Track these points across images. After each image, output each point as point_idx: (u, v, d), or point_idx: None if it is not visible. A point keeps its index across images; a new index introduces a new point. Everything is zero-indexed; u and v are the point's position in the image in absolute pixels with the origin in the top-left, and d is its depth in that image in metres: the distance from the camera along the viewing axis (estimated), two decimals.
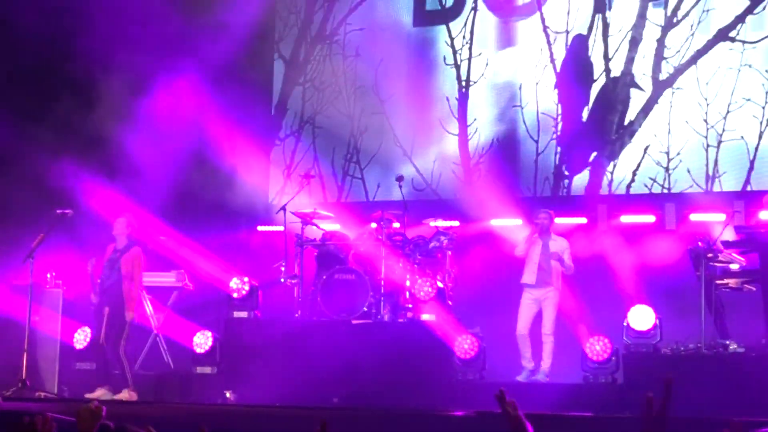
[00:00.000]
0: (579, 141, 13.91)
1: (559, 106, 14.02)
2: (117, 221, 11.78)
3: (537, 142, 14.11)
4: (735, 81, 13.39)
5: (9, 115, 13.57)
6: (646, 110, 13.74)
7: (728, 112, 13.38)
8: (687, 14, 13.67)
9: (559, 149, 13.96)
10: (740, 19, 13.42)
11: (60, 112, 13.64)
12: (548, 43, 14.18)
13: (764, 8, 13.34)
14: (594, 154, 13.81)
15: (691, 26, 13.63)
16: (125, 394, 11.48)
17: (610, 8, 13.97)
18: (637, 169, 13.67)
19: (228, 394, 11.65)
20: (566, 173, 13.90)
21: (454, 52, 14.60)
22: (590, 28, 14.06)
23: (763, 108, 13.24)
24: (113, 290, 11.61)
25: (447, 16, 14.70)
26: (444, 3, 14.71)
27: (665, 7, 13.76)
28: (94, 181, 13.42)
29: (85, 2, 14.10)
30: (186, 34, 14.12)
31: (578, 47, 14.05)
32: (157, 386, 12.19)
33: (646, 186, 13.62)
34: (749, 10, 13.41)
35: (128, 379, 11.55)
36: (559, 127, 13.99)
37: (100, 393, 11.33)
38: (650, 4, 13.81)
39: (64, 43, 13.94)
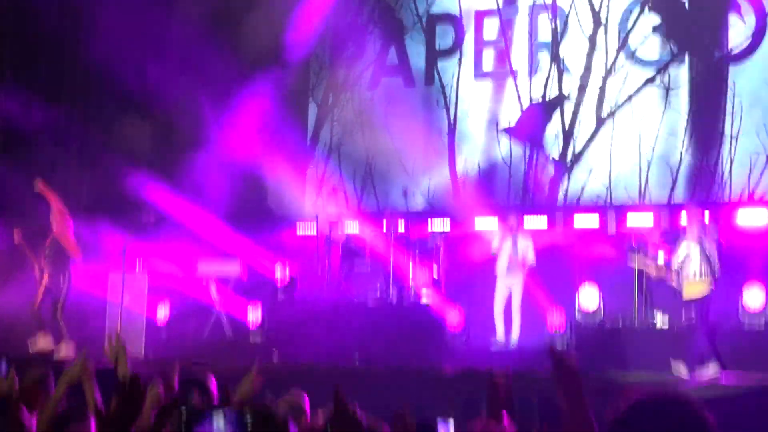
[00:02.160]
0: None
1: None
2: (52, 214, 11.23)
3: (510, 165, 14.06)
4: (661, 118, 13.33)
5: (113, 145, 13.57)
6: (590, 139, 13.70)
7: (656, 143, 13.31)
8: (622, 66, 13.63)
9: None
10: (661, 70, 13.36)
11: (147, 140, 13.62)
12: (516, 89, 14.15)
13: (682, 63, 13.30)
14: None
15: (624, 76, 13.58)
16: (64, 349, 10.99)
17: (563, 62, 13.94)
18: (583, 187, 13.61)
19: (274, 355, 11.62)
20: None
21: (445, 97, 14.58)
22: (548, 75, 14.01)
23: (683, 141, 13.17)
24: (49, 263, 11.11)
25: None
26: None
27: (606, 61, 13.74)
28: (173, 192, 13.42)
29: (165, 47, 14.00)
30: (243, 80, 14.10)
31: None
32: (220, 351, 12.14)
33: (593, 200, 13.54)
34: (669, 63, 13.35)
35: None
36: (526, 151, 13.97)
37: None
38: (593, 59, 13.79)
39: (148, 89, 13.81)
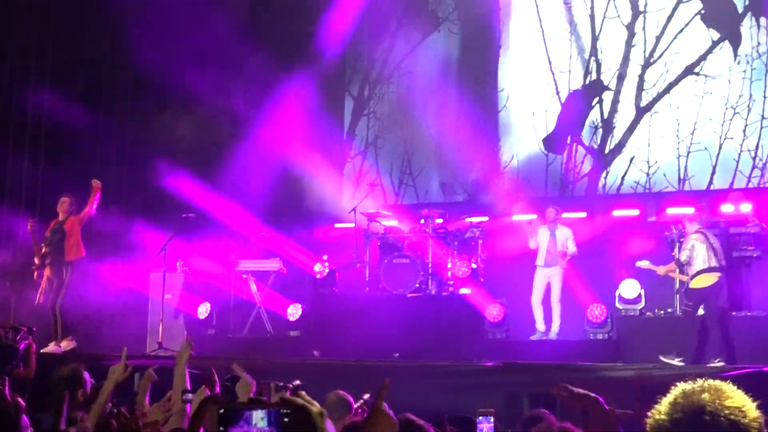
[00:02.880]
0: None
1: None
2: (60, 201, 11.11)
3: (547, 156, 13.99)
4: (699, 106, 13.18)
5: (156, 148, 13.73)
6: (630, 129, 13.56)
7: (694, 129, 13.16)
8: (661, 55, 13.48)
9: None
10: (703, 57, 13.21)
11: (186, 139, 13.74)
12: (554, 80, 14.05)
13: (720, 49, 13.12)
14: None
15: (665, 64, 13.45)
16: (51, 346, 10.74)
17: (602, 52, 13.81)
18: (624, 175, 13.49)
19: (315, 353, 11.69)
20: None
21: (483, 88, 14.48)
22: (587, 68, 13.91)
23: (721, 126, 13.01)
24: (53, 253, 10.91)
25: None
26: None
27: (644, 50, 13.60)
28: (212, 191, 13.53)
29: (203, 45, 14.08)
30: (280, 76, 14.15)
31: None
32: (260, 346, 12.22)
33: (632, 188, 13.45)
34: (710, 50, 13.19)
35: (59, 333, 10.79)
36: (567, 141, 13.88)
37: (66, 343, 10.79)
38: (632, 48, 13.66)
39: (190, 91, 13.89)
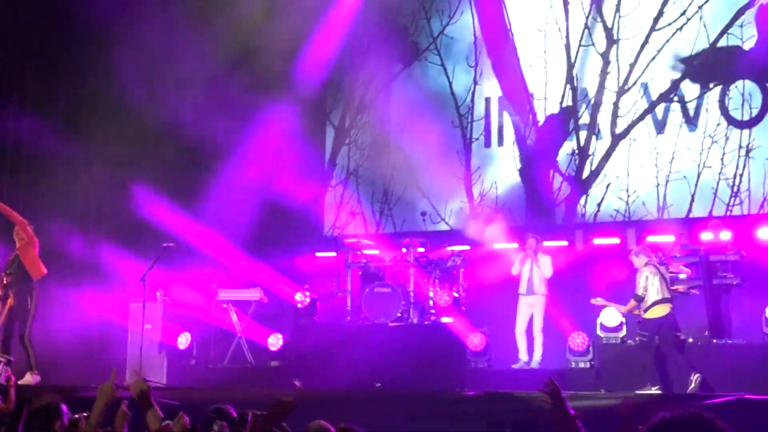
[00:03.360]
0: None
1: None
2: (15, 230, 10.91)
3: (526, 184, 14.03)
4: (678, 134, 13.28)
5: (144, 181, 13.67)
6: (607, 157, 13.65)
7: (673, 158, 13.25)
8: (635, 83, 13.60)
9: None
10: (675, 85, 13.33)
11: (166, 168, 13.70)
12: (530, 107, 14.14)
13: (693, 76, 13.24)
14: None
15: (639, 92, 13.55)
16: (28, 377, 10.54)
17: (577, 79, 13.93)
18: (601, 202, 13.56)
19: (297, 382, 11.59)
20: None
21: (460, 116, 14.58)
22: (563, 94, 14.01)
23: (700, 154, 13.10)
24: (16, 282, 10.66)
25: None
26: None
27: (618, 78, 13.71)
28: (192, 219, 13.46)
29: (184, 75, 14.06)
30: (261, 105, 14.16)
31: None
32: (241, 376, 12.12)
33: (611, 216, 13.49)
34: (682, 78, 13.31)
35: (32, 364, 10.54)
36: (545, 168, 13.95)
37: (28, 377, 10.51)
38: (607, 76, 13.78)
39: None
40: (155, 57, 13.78)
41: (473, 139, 14.45)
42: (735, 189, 12.78)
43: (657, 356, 10.33)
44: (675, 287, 11.14)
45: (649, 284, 10.36)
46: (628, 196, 13.38)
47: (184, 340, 12.54)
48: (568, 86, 13.96)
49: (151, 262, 11.85)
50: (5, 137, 13.70)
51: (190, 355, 12.57)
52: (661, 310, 10.35)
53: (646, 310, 10.42)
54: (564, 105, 13.92)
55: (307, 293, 12.51)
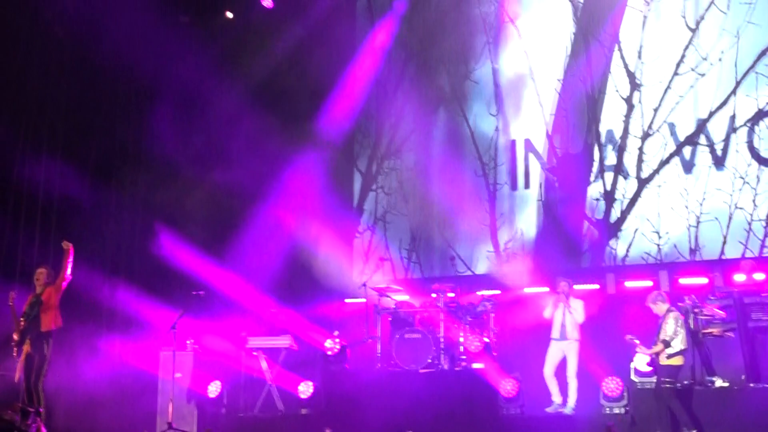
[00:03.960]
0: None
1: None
2: (37, 273, 10.80)
3: (556, 228, 13.97)
4: (708, 174, 13.21)
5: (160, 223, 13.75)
6: (634, 199, 13.59)
7: (704, 199, 13.16)
8: (659, 128, 13.57)
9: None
10: (700, 128, 13.29)
11: (196, 217, 13.78)
12: (555, 153, 14.15)
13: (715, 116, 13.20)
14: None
15: (663, 137, 13.52)
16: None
17: (601, 123, 13.93)
18: (630, 245, 13.47)
19: (327, 430, 11.46)
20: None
21: (483, 165, 14.60)
22: (586, 141, 14.00)
23: (731, 195, 13.01)
24: (33, 328, 10.44)
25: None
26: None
27: (642, 123, 13.68)
28: (222, 267, 13.49)
29: (213, 123, 14.16)
30: (289, 154, 14.25)
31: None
32: (272, 425, 12.05)
33: (643, 259, 13.39)
34: (706, 121, 13.28)
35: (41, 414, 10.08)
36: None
37: None
38: (631, 120, 13.76)
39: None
40: (187, 104, 13.93)
41: (498, 185, 14.44)
42: None
43: (685, 402, 10.18)
44: (709, 330, 10.99)
45: (678, 330, 10.20)
46: (660, 239, 13.29)
47: (214, 389, 12.50)
48: (593, 127, 13.94)
49: (181, 310, 11.86)
50: (37, 184, 13.78)
51: (220, 403, 12.53)
52: (682, 360, 10.25)
53: (671, 356, 10.22)
54: (587, 145, 13.91)
55: (337, 340, 12.47)
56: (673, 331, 10.21)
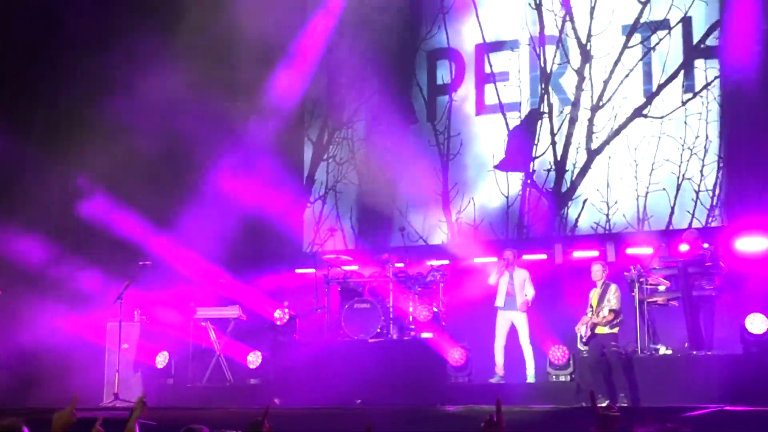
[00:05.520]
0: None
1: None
2: None
3: (507, 197, 14.09)
4: (656, 147, 13.38)
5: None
6: (583, 172, 13.74)
7: (652, 170, 13.35)
8: (609, 99, 13.71)
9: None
10: (649, 100, 13.44)
11: (143, 187, 13.66)
12: (506, 124, 14.23)
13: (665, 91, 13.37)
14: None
15: (613, 108, 13.67)
16: None
17: (552, 96, 14.02)
18: (579, 216, 13.65)
19: (276, 400, 11.54)
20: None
21: (436, 135, 14.64)
22: (539, 111, 14.08)
23: (679, 166, 13.21)
24: None
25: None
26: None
27: (592, 95, 13.82)
28: (169, 238, 13.43)
29: (159, 93, 14.02)
30: (238, 122, 14.16)
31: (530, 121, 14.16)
32: (220, 395, 12.09)
33: (591, 229, 13.57)
34: (656, 94, 13.44)
35: None
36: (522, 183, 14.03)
37: None
38: (582, 92, 13.88)
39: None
40: (130, 68, 13.75)
41: (451, 155, 14.51)
42: (715, 200, 12.88)
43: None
44: (654, 299, 11.22)
45: (608, 301, 10.60)
46: (609, 209, 13.46)
47: (161, 359, 12.50)
48: (544, 103, 14.04)
49: (128, 281, 11.81)
50: None
51: (168, 374, 12.53)
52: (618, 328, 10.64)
53: (615, 325, 10.61)
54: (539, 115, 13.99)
55: (286, 310, 12.51)
56: (620, 302, 10.46)
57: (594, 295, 10.88)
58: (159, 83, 13.70)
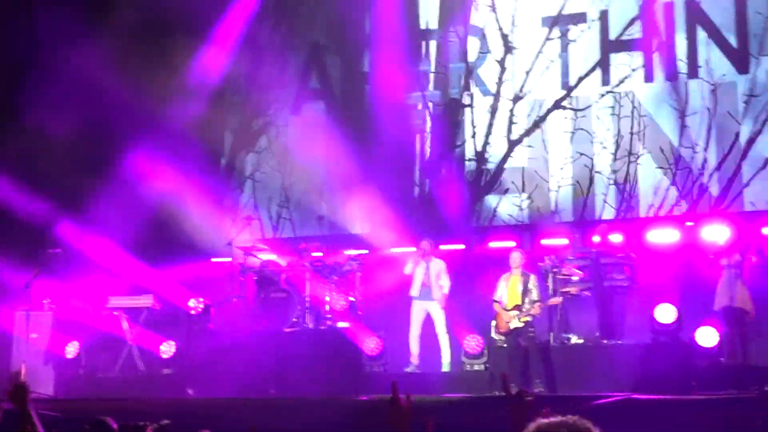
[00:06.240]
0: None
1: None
2: None
3: (426, 187, 14.17)
4: (570, 140, 13.60)
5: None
6: (503, 162, 13.91)
7: (565, 163, 13.58)
8: (529, 92, 13.88)
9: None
10: (567, 93, 13.67)
11: (54, 172, 13.34)
12: (428, 114, 14.30)
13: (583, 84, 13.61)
14: None
15: (533, 100, 13.82)
16: None
17: (475, 86, 14.15)
18: (496, 207, 13.81)
19: (189, 390, 11.45)
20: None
21: (360, 122, 14.62)
22: (460, 99, 14.20)
23: (592, 159, 13.46)
24: None
25: None
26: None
27: (513, 86, 13.98)
28: (81, 226, 13.17)
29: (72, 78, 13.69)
30: (154, 108, 13.92)
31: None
32: (132, 385, 11.91)
33: (509, 218, 13.73)
34: (574, 87, 13.65)
35: None
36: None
37: None
38: (503, 84, 14.04)
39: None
40: (44, 43, 13.40)
41: (374, 143, 14.50)
42: (625, 194, 13.16)
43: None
44: (567, 289, 11.43)
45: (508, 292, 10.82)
46: (525, 200, 13.65)
47: (72, 349, 12.26)
48: (466, 93, 14.15)
49: (37, 269, 11.56)
50: None
51: (78, 364, 12.30)
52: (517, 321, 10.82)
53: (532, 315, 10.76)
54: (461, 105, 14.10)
55: (201, 299, 12.38)
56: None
57: (512, 283, 10.88)
58: (74, 60, 13.38)
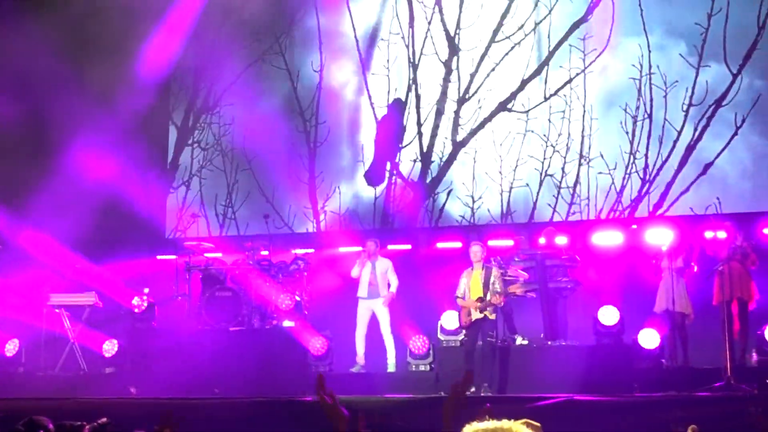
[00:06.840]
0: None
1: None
2: None
3: (375, 189, 14.21)
4: (521, 143, 13.70)
5: None
6: (448, 164, 13.97)
7: (517, 165, 13.67)
8: (475, 92, 13.97)
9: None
10: (514, 95, 13.76)
11: None
12: (374, 115, 14.32)
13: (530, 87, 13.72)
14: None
15: (479, 101, 13.94)
16: None
17: (420, 87, 14.19)
18: (442, 208, 13.87)
19: (132, 389, 11.33)
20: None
21: (304, 121, 14.62)
22: (406, 101, 14.24)
23: (542, 162, 13.58)
24: None
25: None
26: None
27: (459, 87, 14.06)
28: (20, 221, 12.95)
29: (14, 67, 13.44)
30: (97, 104, 13.73)
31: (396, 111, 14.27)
32: (73, 384, 11.75)
33: (457, 222, 13.80)
34: (520, 89, 13.77)
35: None
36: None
37: None
38: (449, 84, 14.10)
39: None
40: None
41: (319, 142, 14.50)
42: (575, 197, 13.30)
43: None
44: (512, 290, 11.48)
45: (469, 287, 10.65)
46: (474, 202, 13.72)
47: (11, 347, 12.10)
48: (412, 94, 14.19)
49: None
50: None
51: (18, 362, 12.13)
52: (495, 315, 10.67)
53: (494, 312, 10.59)
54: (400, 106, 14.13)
55: (145, 297, 12.25)
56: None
57: (474, 277, 10.68)
58: (14, 47, 13.12)
